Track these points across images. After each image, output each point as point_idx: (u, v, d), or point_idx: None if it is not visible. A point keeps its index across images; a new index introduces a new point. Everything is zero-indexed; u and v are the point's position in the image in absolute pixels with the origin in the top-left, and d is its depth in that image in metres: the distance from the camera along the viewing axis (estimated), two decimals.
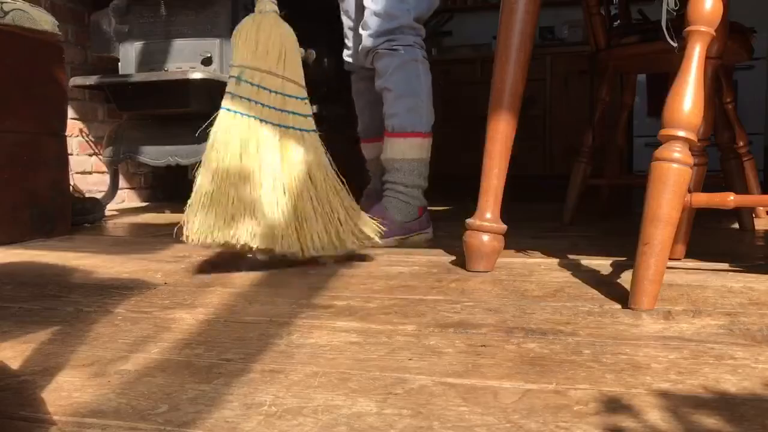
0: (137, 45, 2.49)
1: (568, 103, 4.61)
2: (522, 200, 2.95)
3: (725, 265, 1.31)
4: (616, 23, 2.08)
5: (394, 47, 1.71)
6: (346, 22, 1.93)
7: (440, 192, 2.98)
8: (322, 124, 2.93)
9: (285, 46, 1.42)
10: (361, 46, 1.76)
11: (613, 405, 0.62)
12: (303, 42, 2.53)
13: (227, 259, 1.47)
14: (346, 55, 1.95)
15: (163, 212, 2.76)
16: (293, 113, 1.40)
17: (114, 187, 2.63)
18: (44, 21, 1.84)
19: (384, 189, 1.74)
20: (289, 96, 1.41)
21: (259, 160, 1.33)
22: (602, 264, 1.34)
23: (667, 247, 0.96)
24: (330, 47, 3.02)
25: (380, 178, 1.81)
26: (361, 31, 1.75)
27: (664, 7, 1.08)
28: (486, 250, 1.28)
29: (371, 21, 1.71)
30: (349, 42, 1.94)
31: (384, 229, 1.48)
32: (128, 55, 2.51)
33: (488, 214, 1.29)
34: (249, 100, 1.36)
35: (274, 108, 1.38)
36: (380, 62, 1.73)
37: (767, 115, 4.44)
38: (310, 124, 1.44)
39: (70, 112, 2.82)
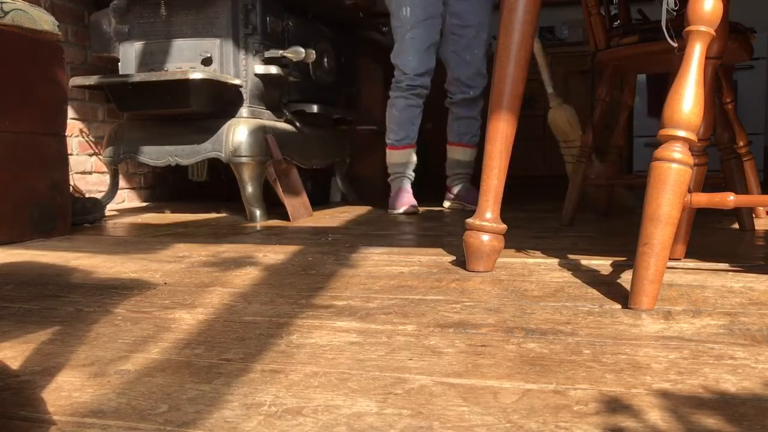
0: (137, 45, 2.49)
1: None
2: (522, 200, 2.95)
3: (725, 265, 1.30)
4: (616, 23, 2.08)
5: (482, 94, 2.72)
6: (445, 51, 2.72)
7: (440, 191, 2.98)
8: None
9: None
10: (472, 94, 2.74)
11: (613, 405, 0.62)
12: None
13: (227, 259, 1.47)
14: (417, 72, 2.61)
15: (163, 212, 2.76)
16: None
17: (114, 187, 2.63)
18: (44, 21, 1.84)
19: (462, 177, 2.80)
20: None
21: None
22: (602, 264, 1.34)
23: (667, 247, 0.96)
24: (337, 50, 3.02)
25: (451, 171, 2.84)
26: (469, 81, 2.71)
27: (664, 7, 1.08)
28: (486, 250, 1.28)
29: (479, 79, 2.73)
30: (422, 63, 2.60)
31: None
32: (128, 55, 2.51)
33: (488, 213, 1.29)
34: None
35: None
36: (476, 101, 2.76)
37: (767, 115, 4.44)
38: None
39: (70, 112, 2.82)
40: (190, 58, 2.42)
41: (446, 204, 2.84)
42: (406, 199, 2.62)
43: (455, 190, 2.80)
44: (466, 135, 2.78)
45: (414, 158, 2.74)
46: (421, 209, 2.74)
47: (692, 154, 0.98)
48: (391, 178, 2.75)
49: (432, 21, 2.61)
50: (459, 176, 2.80)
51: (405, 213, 2.57)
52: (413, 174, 2.75)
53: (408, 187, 2.71)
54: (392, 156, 2.73)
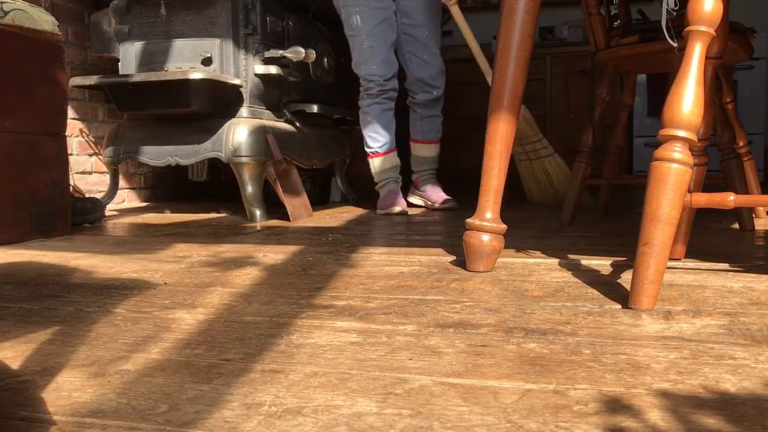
0: (137, 45, 2.49)
1: (568, 103, 4.61)
2: (522, 200, 2.95)
3: (725, 265, 1.31)
4: (616, 23, 2.08)
5: (443, 92, 2.78)
6: (407, 56, 2.69)
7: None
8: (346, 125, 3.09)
9: None
10: (436, 94, 2.72)
11: (613, 405, 0.62)
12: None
13: (227, 259, 1.47)
14: (385, 78, 2.59)
15: (163, 212, 2.76)
16: None
17: (114, 187, 2.63)
18: (44, 21, 1.84)
19: (428, 174, 2.83)
20: None
21: None
22: (602, 264, 1.34)
23: (667, 247, 0.96)
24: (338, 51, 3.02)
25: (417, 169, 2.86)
26: (432, 81, 2.70)
27: (664, 7, 1.08)
28: (486, 250, 1.28)
29: (441, 78, 2.72)
30: (387, 67, 2.59)
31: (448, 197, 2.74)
32: (128, 55, 2.51)
33: (488, 213, 1.29)
34: None
35: None
36: (439, 100, 2.76)
37: (767, 115, 4.44)
38: None
39: (70, 112, 2.82)
40: (190, 58, 2.42)
41: (411, 199, 2.86)
42: (398, 202, 2.60)
43: (423, 187, 2.83)
44: (430, 132, 2.79)
45: (398, 160, 2.74)
46: (420, 209, 2.74)
47: (692, 154, 0.98)
48: (380, 186, 2.72)
49: (385, 23, 2.59)
50: (425, 173, 2.83)
51: (397, 213, 2.56)
52: (400, 177, 2.75)
53: (398, 189, 2.69)
54: (377, 163, 2.71)
